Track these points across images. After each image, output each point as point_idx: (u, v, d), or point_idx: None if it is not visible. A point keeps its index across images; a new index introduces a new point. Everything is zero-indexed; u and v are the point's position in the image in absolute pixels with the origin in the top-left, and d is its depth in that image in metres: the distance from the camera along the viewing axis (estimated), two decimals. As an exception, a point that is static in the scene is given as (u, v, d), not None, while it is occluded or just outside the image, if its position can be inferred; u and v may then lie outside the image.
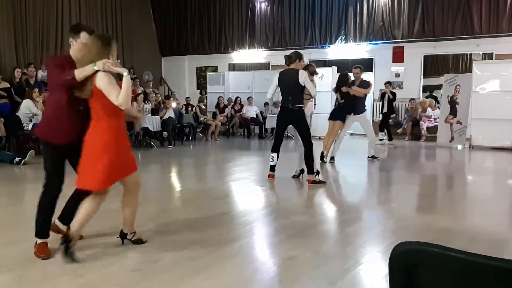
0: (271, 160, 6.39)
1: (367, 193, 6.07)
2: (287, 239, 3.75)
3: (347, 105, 8.05)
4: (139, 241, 3.54)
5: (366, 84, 8.21)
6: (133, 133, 10.18)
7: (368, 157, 8.62)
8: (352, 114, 8.13)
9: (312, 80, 6.42)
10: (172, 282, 2.83)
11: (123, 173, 3.30)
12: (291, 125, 6.50)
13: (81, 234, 3.46)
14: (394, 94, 12.02)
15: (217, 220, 4.30)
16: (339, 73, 8.38)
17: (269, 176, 6.41)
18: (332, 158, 8.16)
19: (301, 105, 6.09)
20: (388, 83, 12.21)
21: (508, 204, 5.48)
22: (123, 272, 2.99)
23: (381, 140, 11.97)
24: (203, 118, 13.21)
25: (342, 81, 8.12)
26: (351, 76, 8.35)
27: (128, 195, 3.46)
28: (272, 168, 6.40)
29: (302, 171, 6.57)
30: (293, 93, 6.06)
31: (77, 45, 3.33)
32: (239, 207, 5.13)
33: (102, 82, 3.08)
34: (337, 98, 8.32)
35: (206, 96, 15.43)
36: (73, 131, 3.27)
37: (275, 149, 6.40)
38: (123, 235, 3.52)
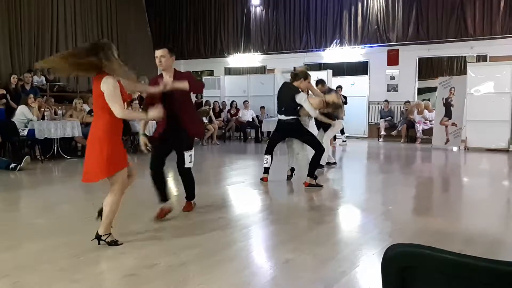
0: (265, 162, 6.39)
1: (363, 196, 6.07)
2: (283, 242, 3.75)
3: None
4: (113, 243, 3.54)
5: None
6: (129, 138, 10.17)
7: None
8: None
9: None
10: (169, 287, 2.82)
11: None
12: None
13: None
14: (345, 98, 12.15)
15: (213, 224, 4.30)
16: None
17: (262, 179, 6.39)
18: (328, 163, 8.13)
19: (295, 117, 6.09)
20: (339, 87, 12.22)
21: (503, 205, 5.50)
22: (118, 277, 2.98)
23: (344, 141, 12.38)
24: (206, 122, 13.13)
25: None
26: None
27: (110, 195, 3.54)
28: (266, 170, 6.39)
29: (292, 169, 6.58)
30: (286, 107, 6.13)
31: None
32: (235, 211, 5.13)
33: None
34: None
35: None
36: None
37: (269, 151, 6.41)
38: (98, 237, 3.54)
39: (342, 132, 12.33)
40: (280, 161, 7.40)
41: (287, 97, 6.10)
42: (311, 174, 6.06)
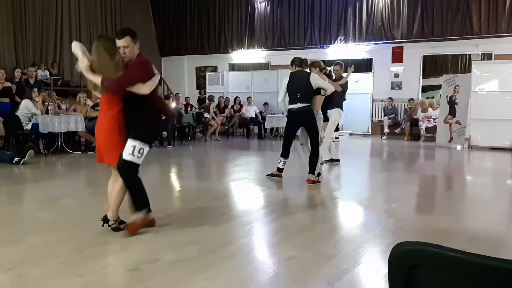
0: (282, 164, 6.29)
1: (366, 193, 6.06)
2: (286, 239, 3.74)
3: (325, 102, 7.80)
4: (117, 229, 3.72)
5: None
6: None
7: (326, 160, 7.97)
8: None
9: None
10: (171, 282, 2.82)
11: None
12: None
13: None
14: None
15: (216, 220, 4.30)
16: None
17: (278, 175, 6.31)
18: (337, 159, 8.12)
19: (309, 104, 6.06)
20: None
21: (507, 204, 5.48)
22: (122, 272, 2.99)
23: (337, 138, 12.13)
24: (208, 117, 13.14)
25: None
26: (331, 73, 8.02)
27: (116, 181, 3.76)
28: (280, 170, 6.33)
29: (319, 174, 6.32)
30: (302, 92, 6.03)
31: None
32: (238, 207, 5.13)
33: None
34: None
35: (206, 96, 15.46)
36: None
37: (286, 154, 6.27)
38: (105, 220, 3.72)
39: (336, 128, 12.23)
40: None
41: (302, 81, 6.05)
42: (312, 171, 6.06)
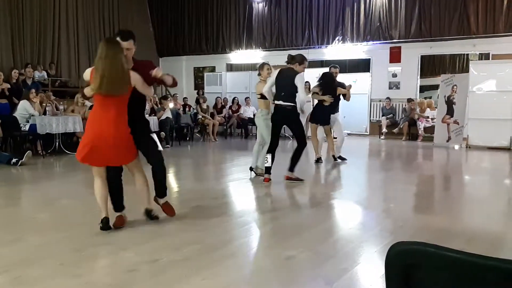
0: (266, 161, 6.15)
1: (364, 193, 6.07)
2: (284, 239, 3.75)
3: (332, 105, 7.95)
4: (157, 217, 4.08)
5: (343, 85, 8.31)
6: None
7: (337, 157, 8.32)
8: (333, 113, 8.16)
9: None
10: (170, 283, 2.82)
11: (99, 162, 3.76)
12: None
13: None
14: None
15: (214, 220, 4.30)
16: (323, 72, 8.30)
17: (264, 180, 6.19)
18: (341, 157, 8.17)
19: (293, 104, 6.05)
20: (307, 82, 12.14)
21: (505, 204, 5.49)
22: (121, 272, 2.98)
23: (335, 138, 12.12)
24: (201, 117, 13.17)
25: (332, 79, 8.02)
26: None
27: (140, 174, 3.97)
28: (268, 170, 6.18)
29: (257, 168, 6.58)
30: (286, 91, 6.02)
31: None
32: (237, 207, 5.13)
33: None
34: (319, 100, 8.02)
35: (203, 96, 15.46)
36: None
37: (271, 150, 6.19)
38: (148, 213, 4.05)
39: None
40: (283, 159, 7.37)
41: (286, 81, 6.02)
42: (292, 168, 6.10)
